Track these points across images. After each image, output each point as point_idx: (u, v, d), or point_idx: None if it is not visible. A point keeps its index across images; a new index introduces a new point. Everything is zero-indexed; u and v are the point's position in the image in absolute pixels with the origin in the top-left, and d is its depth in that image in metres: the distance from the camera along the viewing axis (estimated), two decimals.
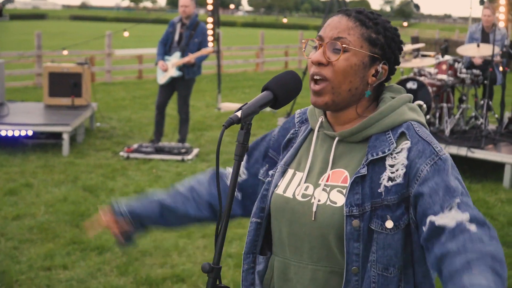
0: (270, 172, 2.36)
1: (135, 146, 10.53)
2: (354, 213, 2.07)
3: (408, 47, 11.74)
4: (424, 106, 10.09)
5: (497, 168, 9.44)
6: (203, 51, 10.84)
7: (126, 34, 15.68)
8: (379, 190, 2.08)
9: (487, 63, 11.06)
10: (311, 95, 2.19)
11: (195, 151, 10.74)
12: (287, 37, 60.54)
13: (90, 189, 8.45)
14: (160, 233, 6.96)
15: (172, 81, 10.65)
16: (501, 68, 11.41)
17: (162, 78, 10.61)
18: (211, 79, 22.35)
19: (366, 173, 2.10)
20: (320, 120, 2.28)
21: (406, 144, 2.11)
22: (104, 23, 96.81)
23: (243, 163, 2.48)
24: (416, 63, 11.04)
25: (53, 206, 7.72)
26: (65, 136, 10.36)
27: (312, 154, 2.26)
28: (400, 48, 2.24)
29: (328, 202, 2.13)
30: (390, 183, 2.07)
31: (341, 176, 2.17)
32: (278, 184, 2.28)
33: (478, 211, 2.00)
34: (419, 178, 2.05)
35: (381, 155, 2.10)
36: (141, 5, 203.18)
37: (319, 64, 2.15)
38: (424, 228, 2.01)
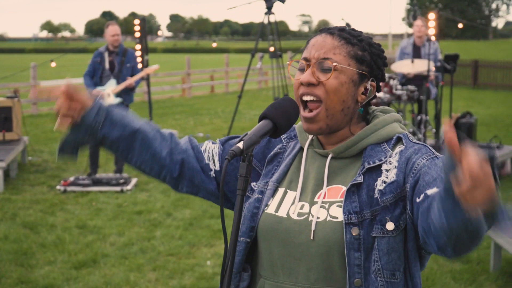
0: (256, 186, 2.25)
1: (71, 179, 10.26)
2: (353, 221, 2.00)
3: None
4: None
5: None
6: (148, 70, 10.77)
7: (53, 64, 15.38)
8: (374, 196, 2.02)
9: (421, 78, 11.18)
10: (302, 121, 2.13)
11: (134, 181, 10.54)
12: (210, 61, 60.63)
13: (30, 226, 8.16)
14: (109, 268, 6.76)
15: None
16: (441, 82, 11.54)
17: None
18: (140, 107, 22.10)
19: (362, 181, 2.04)
20: (309, 138, 2.22)
21: (400, 148, 2.08)
22: (23, 54, 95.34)
23: (216, 152, 2.34)
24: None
25: None
26: None
27: (303, 173, 2.18)
28: (385, 64, 2.21)
29: (329, 218, 2.05)
30: (383, 185, 2.02)
31: (339, 192, 2.10)
32: (269, 203, 2.19)
33: None
34: (415, 170, 2.00)
35: (378, 163, 2.06)
36: (60, 35, 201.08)
37: (309, 84, 2.08)
38: (425, 199, 1.90)
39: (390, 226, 1.99)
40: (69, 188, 10.02)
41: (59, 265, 6.85)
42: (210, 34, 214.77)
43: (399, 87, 10.99)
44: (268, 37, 12.23)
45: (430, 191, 1.87)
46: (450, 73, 11.18)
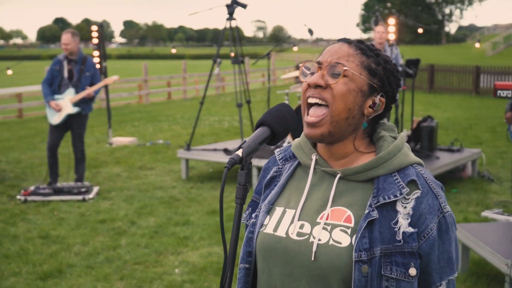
0: (254, 214, 2.21)
1: (31, 188, 10.08)
2: (362, 258, 1.94)
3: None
4: None
5: None
6: (108, 81, 10.71)
7: (9, 72, 15.16)
8: (397, 238, 1.97)
9: None
10: (305, 126, 2.07)
11: (95, 189, 10.40)
12: (166, 67, 60.42)
13: None
14: (75, 278, 6.65)
15: (66, 120, 10.29)
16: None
17: (57, 118, 10.22)
18: (97, 114, 21.91)
19: (377, 216, 1.98)
20: (314, 157, 2.14)
21: (416, 194, 2.02)
22: None
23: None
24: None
25: None
26: None
27: (307, 191, 2.11)
28: (398, 85, 2.15)
29: (332, 242, 1.99)
30: (410, 230, 1.98)
31: (343, 215, 2.03)
32: (265, 223, 2.13)
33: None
34: (427, 235, 2.00)
35: (393, 199, 2.00)
36: (11, 41, 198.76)
37: (316, 87, 2.03)
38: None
39: (413, 272, 1.97)
40: (30, 198, 9.84)
41: (24, 276, 6.72)
42: (165, 40, 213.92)
43: None
44: (230, 43, 12.17)
45: None
46: (412, 78, 11.25)
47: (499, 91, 6.28)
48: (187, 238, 7.96)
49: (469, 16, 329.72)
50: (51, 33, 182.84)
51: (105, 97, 18.13)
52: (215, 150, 11.72)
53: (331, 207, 2.05)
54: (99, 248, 7.60)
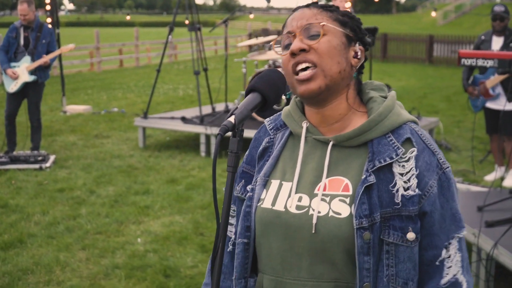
0: (249, 187, 2.15)
1: None
2: (364, 225, 1.90)
3: (260, 39, 11.71)
4: None
5: None
6: (64, 49, 10.58)
7: None
8: (396, 200, 1.93)
9: None
10: (298, 86, 1.99)
11: (52, 158, 10.25)
12: (117, 35, 59.73)
13: None
14: (36, 248, 6.57)
15: (23, 88, 10.11)
16: None
17: (14, 86, 10.04)
18: (49, 82, 21.45)
19: (374, 181, 1.93)
20: (305, 125, 2.09)
21: (413, 152, 1.97)
22: None
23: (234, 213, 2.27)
24: (270, 55, 11.05)
25: None
26: None
27: (300, 162, 2.06)
28: (364, 32, 2.11)
29: (331, 213, 1.94)
30: (409, 193, 1.93)
31: (340, 185, 1.99)
32: (262, 197, 2.08)
33: (467, 253, 2.06)
34: (427, 193, 1.95)
35: (389, 161, 1.95)
36: None
37: (300, 51, 1.97)
38: (426, 254, 1.98)
39: (411, 236, 1.93)
40: None
41: None
42: (114, 8, 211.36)
43: None
44: (186, 11, 12.04)
45: (436, 252, 1.97)
46: (370, 47, 11.25)
47: (463, 59, 6.31)
48: (148, 207, 7.90)
49: None
50: (5, 1, 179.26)
51: (58, 65, 17.84)
52: (172, 118, 11.62)
53: (327, 177, 2.01)
54: (59, 217, 7.50)
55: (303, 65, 1.98)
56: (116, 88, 20.68)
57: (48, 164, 9.87)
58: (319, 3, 2.14)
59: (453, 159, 10.50)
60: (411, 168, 1.95)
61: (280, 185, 2.07)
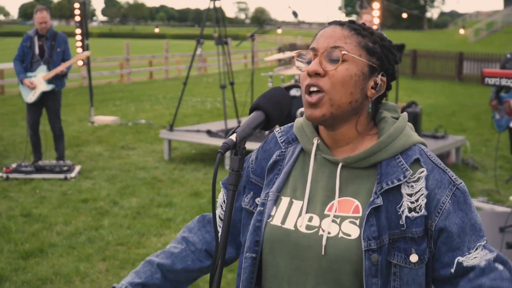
0: (259, 201, 2.13)
1: (13, 165, 9.99)
2: (372, 247, 1.89)
3: (287, 54, 11.71)
4: None
5: None
6: (80, 56, 10.60)
7: None
8: (400, 222, 1.92)
9: None
10: (306, 108, 2.00)
11: (77, 168, 10.32)
12: (148, 47, 60.10)
13: None
14: (57, 258, 6.60)
15: (41, 97, 10.16)
16: None
17: (32, 96, 10.09)
18: (79, 92, 21.79)
19: (381, 203, 1.92)
20: (316, 142, 2.08)
21: (422, 173, 1.96)
22: None
23: (222, 199, 2.29)
24: (296, 70, 11.03)
25: None
26: None
27: (311, 180, 2.05)
28: (396, 61, 2.09)
29: (341, 235, 1.93)
30: (413, 214, 1.92)
31: (351, 206, 1.97)
32: (272, 214, 2.06)
33: (498, 251, 2.02)
34: (440, 210, 1.93)
35: (397, 183, 1.94)
36: None
37: (316, 74, 1.96)
38: (450, 268, 1.95)
39: (414, 258, 1.92)
40: (12, 175, 9.76)
41: (6, 254, 6.65)
42: (146, 19, 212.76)
43: None
44: (214, 24, 12.08)
45: (460, 259, 1.94)
46: (397, 63, 11.21)
47: (486, 79, 6.27)
48: (170, 220, 7.91)
49: (451, 2, 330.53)
50: (32, 10, 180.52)
51: (87, 75, 17.96)
52: (198, 131, 11.65)
53: (339, 196, 2.00)
54: (81, 228, 7.54)
55: (314, 89, 1.97)
56: (145, 100, 20.78)
57: (73, 175, 9.92)
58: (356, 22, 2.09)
59: (479, 178, 10.39)
60: (420, 188, 1.94)
61: (291, 203, 2.06)
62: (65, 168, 9.98)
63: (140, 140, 13.42)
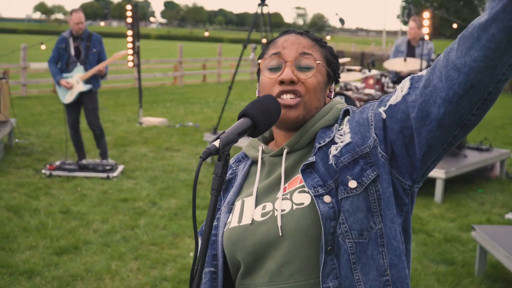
0: (218, 217, 2.21)
1: (57, 163, 10.16)
2: (320, 192, 1.94)
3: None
4: None
5: (428, 183, 9.43)
6: (117, 56, 10.71)
7: (43, 47, 15.23)
8: (329, 162, 1.98)
9: None
10: (282, 109, 2.05)
11: (120, 168, 10.45)
12: (204, 50, 60.44)
13: (13, 210, 8.08)
14: (90, 255, 6.69)
15: (78, 97, 10.30)
16: None
17: (69, 97, 10.22)
18: (130, 93, 22.02)
19: (314, 160, 2.00)
20: (260, 148, 2.19)
21: (347, 118, 2.08)
22: (15, 35, 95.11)
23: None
24: (342, 77, 11.01)
25: None
26: None
27: (259, 175, 2.14)
28: (339, 74, 2.26)
29: (295, 207, 1.98)
30: (337, 150, 1.99)
31: (297, 180, 2.04)
32: (229, 220, 2.13)
33: None
34: (372, 121, 1.98)
35: (328, 140, 2.04)
36: (53, 17, 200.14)
37: (290, 83, 2.06)
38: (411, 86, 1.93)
39: (352, 184, 1.93)
40: (55, 173, 9.93)
41: (40, 250, 6.77)
42: (204, 23, 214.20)
43: (390, 84, 10.94)
44: (261, 29, 12.14)
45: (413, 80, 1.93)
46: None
47: None
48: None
49: None
50: (92, 10, 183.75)
51: (137, 76, 18.14)
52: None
53: (287, 181, 2.06)
54: (118, 226, 7.63)
55: (289, 95, 2.06)
56: (195, 103, 20.92)
57: (115, 174, 10.05)
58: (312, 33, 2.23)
59: None
60: (346, 127, 2.03)
61: (243, 202, 2.12)
62: (108, 167, 10.11)
63: (186, 142, 13.52)
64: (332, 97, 2.17)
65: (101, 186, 9.50)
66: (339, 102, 2.18)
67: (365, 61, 28.38)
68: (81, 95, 10.31)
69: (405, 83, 1.93)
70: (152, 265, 6.54)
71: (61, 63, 10.30)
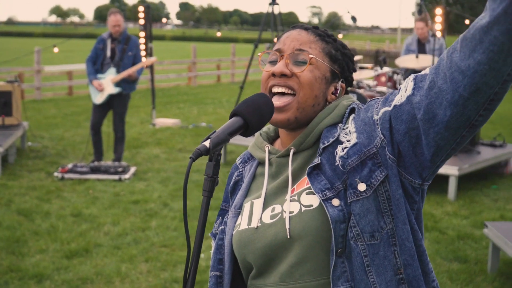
0: (223, 221, 2.20)
1: (69, 166, 10.17)
2: (328, 196, 1.91)
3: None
4: None
5: (441, 181, 9.36)
6: (146, 62, 10.70)
7: (56, 50, 15.28)
8: (336, 164, 1.95)
9: None
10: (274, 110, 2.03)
11: (132, 169, 10.44)
12: (218, 50, 60.47)
13: (25, 213, 8.07)
14: (101, 258, 6.68)
15: (109, 99, 10.32)
16: None
17: (99, 98, 10.26)
18: (144, 94, 22.02)
19: (319, 162, 1.97)
20: (267, 149, 2.15)
21: (352, 116, 2.04)
22: (31, 38, 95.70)
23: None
24: (355, 75, 10.95)
25: None
26: None
27: (267, 177, 2.11)
28: (354, 69, 2.20)
29: (304, 209, 1.95)
30: (344, 151, 1.95)
31: (305, 181, 2.01)
32: (238, 222, 2.11)
33: None
34: (378, 120, 1.94)
35: (332, 140, 2.00)
36: (68, 20, 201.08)
37: (282, 75, 2.04)
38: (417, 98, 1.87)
39: (362, 187, 1.90)
40: (67, 175, 9.93)
41: (50, 253, 6.76)
42: (220, 23, 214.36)
43: (403, 82, 10.86)
44: (272, 28, 12.11)
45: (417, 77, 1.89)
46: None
47: None
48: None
49: None
50: (106, 13, 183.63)
51: (150, 78, 18.15)
52: (254, 135, 11.64)
53: (295, 183, 2.04)
54: (129, 228, 7.61)
55: (280, 89, 2.04)
56: (208, 103, 20.91)
57: (127, 176, 10.03)
58: (321, 28, 2.18)
59: None
60: (351, 127, 2.00)
61: (252, 204, 2.10)
62: (119, 169, 10.10)
63: (199, 143, 13.45)
64: (337, 94, 2.12)
65: (113, 188, 9.49)
66: (347, 98, 2.13)
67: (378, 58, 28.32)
68: (112, 97, 10.33)
69: (409, 83, 1.90)
70: (162, 267, 6.52)
71: (97, 63, 10.38)
